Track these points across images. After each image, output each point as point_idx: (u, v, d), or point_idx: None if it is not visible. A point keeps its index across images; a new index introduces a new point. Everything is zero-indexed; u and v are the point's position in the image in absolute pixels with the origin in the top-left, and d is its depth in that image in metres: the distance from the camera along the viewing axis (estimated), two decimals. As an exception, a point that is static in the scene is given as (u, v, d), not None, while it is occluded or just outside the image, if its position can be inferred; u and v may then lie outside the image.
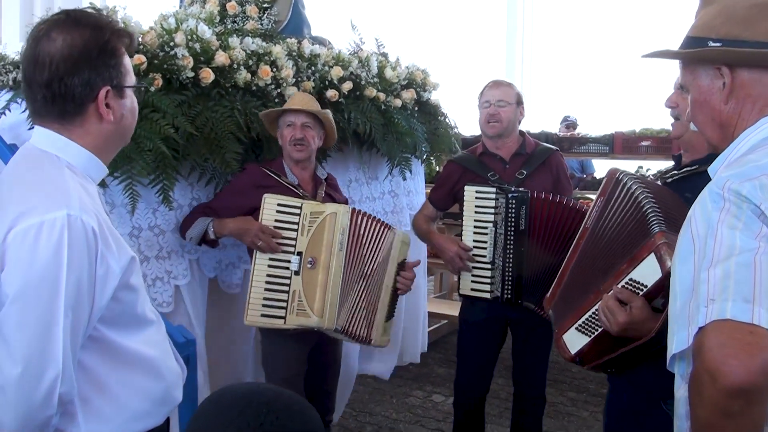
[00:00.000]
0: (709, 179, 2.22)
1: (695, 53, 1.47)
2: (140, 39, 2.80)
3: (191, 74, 2.92)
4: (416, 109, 4.35)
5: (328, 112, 3.23)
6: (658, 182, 2.41)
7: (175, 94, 2.88)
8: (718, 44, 1.43)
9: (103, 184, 2.68)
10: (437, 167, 4.91)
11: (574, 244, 2.52)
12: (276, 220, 2.91)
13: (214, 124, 2.99)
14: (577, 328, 2.25)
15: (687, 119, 2.15)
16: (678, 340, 1.23)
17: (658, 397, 2.10)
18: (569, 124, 8.20)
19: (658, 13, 9.53)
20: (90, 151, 1.59)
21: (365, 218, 3.01)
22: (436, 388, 4.90)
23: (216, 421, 1.06)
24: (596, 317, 2.12)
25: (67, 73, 1.51)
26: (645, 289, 1.97)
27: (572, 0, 10.07)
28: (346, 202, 3.39)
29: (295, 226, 2.92)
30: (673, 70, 2.49)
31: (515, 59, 10.51)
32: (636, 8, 9.72)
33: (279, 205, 2.92)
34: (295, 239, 2.92)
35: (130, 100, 1.66)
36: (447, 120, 4.60)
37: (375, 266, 3.04)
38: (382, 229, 3.05)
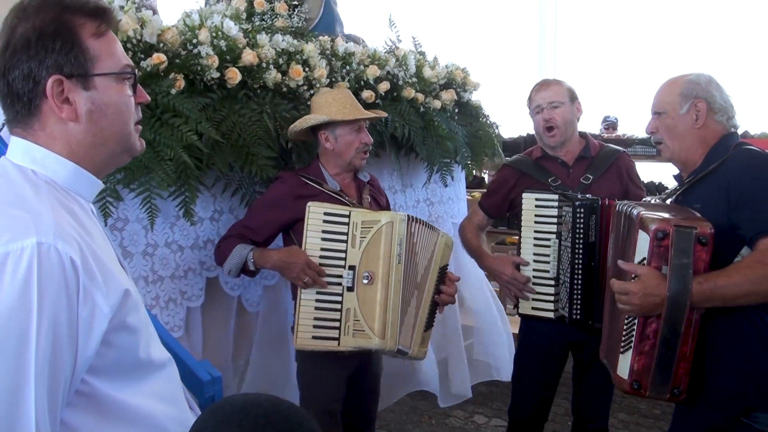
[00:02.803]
0: (714, 179, 2.13)
1: None
2: (160, 36, 2.55)
3: (216, 74, 2.67)
4: (456, 110, 4.08)
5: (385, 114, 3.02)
6: (666, 201, 2.43)
7: (198, 96, 2.64)
8: None
9: (118, 198, 2.43)
10: (476, 172, 4.64)
11: (607, 286, 2.50)
12: (323, 231, 2.63)
13: (242, 129, 2.75)
14: (621, 352, 2.21)
15: (671, 139, 2.28)
16: None
17: (736, 413, 2.12)
18: (609, 124, 7.86)
19: (700, 8, 9.19)
20: (71, 160, 1.30)
21: (420, 225, 2.74)
22: (477, 407, 4.61)
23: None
24: (628, 330, 2.15)
25: (8, 67, 1.25)
26: (646, 260, 2.06)
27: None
28: (388, 203, 3.14)
29: (344, 237, 2.64)
30: (712, 66, 2.29)
31: (546, 56, 10.24)
32: (677, 4, 9.39)
33: (325, 214, 2.64)
34: (345, 252, 2.64)
35: (108, 93, 1.32)
36: (488, 121, 4.31)
37: (424, 273, 2.77)
38: (430, 233, 2.79)
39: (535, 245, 2.93)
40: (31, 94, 1.26)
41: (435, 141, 3.76)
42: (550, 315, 2.91)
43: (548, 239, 2.90)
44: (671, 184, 5.86)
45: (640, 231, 2.07)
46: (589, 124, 8.00)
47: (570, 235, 2.80)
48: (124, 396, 1.27)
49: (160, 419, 1.34)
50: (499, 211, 3.25)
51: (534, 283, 2.93)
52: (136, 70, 1.40)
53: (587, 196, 2.83)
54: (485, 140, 4.24)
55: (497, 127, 4.43)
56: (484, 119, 4.29)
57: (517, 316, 3.09)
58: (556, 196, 2.88)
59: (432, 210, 4.17)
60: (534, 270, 2.93)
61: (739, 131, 2.35)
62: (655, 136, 2.37)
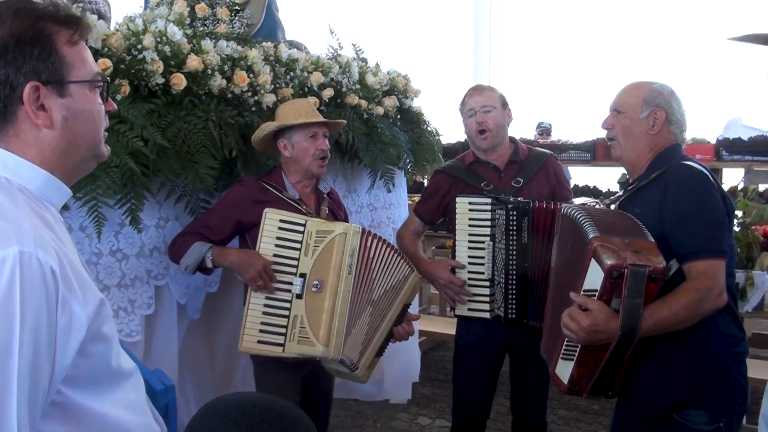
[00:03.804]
0: (654, 187, 2.20)
1: None
2: (105, 41, 2.50)
3: (161, 80, 2.64)
4: (398, 117, 4.11)
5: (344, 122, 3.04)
6: (610, 207, 2.48)
7: (143, 102, 2.60)
8: None
9: (64, 207, 2.37)
10: (416, 178, 4.68)
11: (549, 285, 2.60)
12: (277, 238, 2.64)
13: (186, 136, 2.71)
14: (562, 357, 2.25)
15: (625, 138, 2.34)
16: None
17: (668, 409, 2.20)
18: (543, 129, 8.06)
19: (634, 16, 9.47)
20: (43, 167, 1.28)
21: (375, 240, 2.75)
22: (421, 409, 4.65)
23: (210, 430, 1.07)
24: (572, 343, 2.17)
25: None
26: (597, 293, 2.05)
27: (541, 4, 9.97)
28: (347, 216, 3.15)
29: (298, 245, 2.65)
30: (650, 74, 2.39)
31: (482, 64, 10.39)
32: (611, 11, 9.66)
33: (281, 221, 2.65)
34: (298, 259, 2.65)
35: (82, 100, 1.31)
36: (430, 128, 4.36)
37: (382, 294, 2.77)
38: (395, 257, 2.79)
39: (469, 248, 2.97)
40: (8, 100, 1.24)
41: (378, 147, 3.78)
42: (486, 315, 2.96)
43: (482, 242, 2.94)
44: (605, 187, 6.03)
45: (593, 261, 2.05)
46: (524, 130, 8.17)
47: (504, 237, 2.86)
48: (98, 406, 1.26)
49: (131, 428, 1.33)
50: (434, 216, 3.28)
51: (469, 285, 2.97)
52: (108, 79, 1.39)
53: (519, 199, 2.89)
54: (427, 146, 4.27)
55: (438, 134, 4.48)
56: (425, 125, 4.33)
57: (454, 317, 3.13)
58: (488, 200, 2.93)
59: (375, 215, 4.18)
60: (469, 272, 2.97)
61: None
62: (610, 132, 2.42)
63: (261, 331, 2.63)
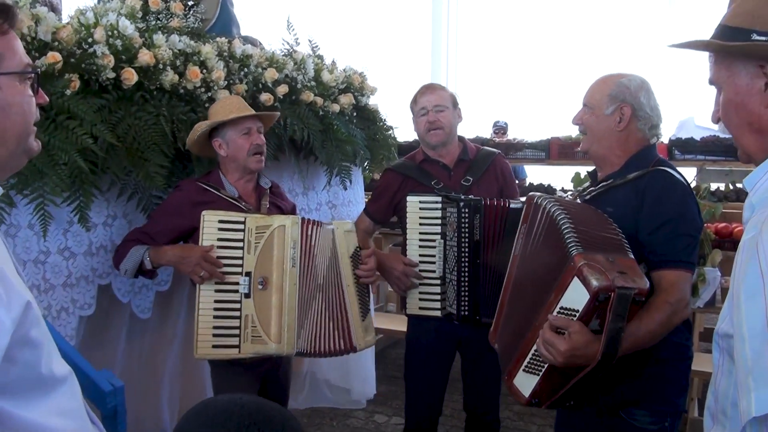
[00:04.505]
0: (630, 189, 2.20)
1: (738, 47, 1.26)
2: (55, 35, 2.43)
3: (112, 75, 2.57)
4: (354, 114, 4.10)
5: (278, 114, 2.98)
6: (578, 200, 2.43)
7: (93, 97, 2.53)
8: (763, 38, 1.22)
9: (11, 204, 2.32)
10: (374, 176, 4.67)
11: (507, 272, 2.50)
12: (219, 239, 2.61)
13: (137, 133, 2.66)
14: (524, 370, 2.17)
15: (592, 135, 2.32)
16: (760, 400, 1.01)
17: (617, 407, 2.21)
18: (499, 128, 8.11)
19: (591, 16, 9.59)
20: None
21: (316, 227, 2.74)
22: (377, 407, 4.65)
23: None
24: (539, 354, 2.07)
25: None
26: (578, 314, 1.93)
27: (498, 4, 10.04)
28: (294, 208, 3.11)
29: (241, 244, 2.63)
30: (603, 73, 2.38)
31: (440, 63, 10.41)
32: (566, 11, 9.76)
33: (220, 222, 2.62)
34: (242, 258, 2.62)
35: (11, 92, 1.24)
36: (386, 125, 4.36)
37: (326, 273, 2.76)
38: (325, 231, 2.77)
39: (420, 246, 2.98)
40: None
41: (334, 144, 3.75)
42: (437, 313, 2.97)
43: (433, 240, 2.95)
44: (559, 185, 6.07)
45: (576, 279, 1.94)
46: (480, 128, 8.21)
47: (456, 235, 2.88)
48: (29, 414, 1.19)
49: None
50: (385, 215, 3.28)
51: (421, 284, 2.97)
52: (38, 70, 1.33)
53: (470, 197, 2.90)
54: (383, 143, 4.27)
55: (394, 131, 4.48)
56: (382, 123, 4.33)
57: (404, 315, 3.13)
58: (439, 198, 2.94)
59: (335, 212, 4.17)
60: (420, 270, 2.97)
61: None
62: (581, 127, 2.42)
63: (215, 335, 2.60)
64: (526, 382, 2.15)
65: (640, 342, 2.01)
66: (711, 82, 1.37)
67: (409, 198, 2.99)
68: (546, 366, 2.06)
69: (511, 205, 2.85)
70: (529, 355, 2.13)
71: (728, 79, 1.31)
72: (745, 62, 1.27)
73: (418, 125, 3.12)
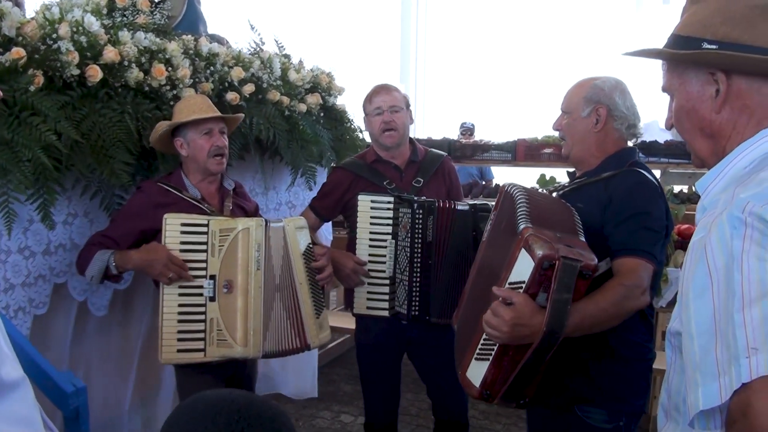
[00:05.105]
0: (601, 187, 2.25)
1: (689, 55, 1.29)
2: (19, 30, 2.40)
3: (76, 71, 2.55)
4: (321, 114, 4.10)
5: (242, 116, 2.96)
6: (554, 194, 2.45)
7: (58, 94, 2.51)
8: (714, 46, 1.26)
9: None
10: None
11: (474, 260, 2.53)
12: (182, 242, 2.60)
13: (102, 130, 2.63)
14: (476, 358, 2.16)
15: (572, 138, 2.36)
16: (706, 394, 1.04)
17: (571, 404, 2.25)
18: (466, 130, 8.16)
19: (559, 19, 9.69)
20: None
21: (270, 228, 2.73)
22: (344, 407, 4.66)
23: (188, 428, 1.05)
24: (490, 341, 2.07)
25: None
26: (524, 285, 1.95)
27: (468, 6, 10.09)
28: (257, 208, 3.10)
29: (204, 247, 2.62)
30: (574, 77, 2.44)
31: (409, 64, 10.44)
32: (535, 14, 9.85)
33: (183, 225, 2.61)
34: (206, 261, 2.62)
35: None
36: (353, 126, 4.37)
37: (281, 272, 2.75)
38: (276, 230, 2.75)
39: (371, 246, 2.99)
40: None
41: (300, 144, 3.74)
42: (385, 313, 2.99)
43: (384, 240, 2.97)
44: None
45: (523, 251, 1.96)
46: (448, 129, 8.26)
47: (409, 235, 2.90)
48: None
49: None
50: (332, 213, 3.28)
51: (369, 283, 2.99)
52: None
53: (423, 198, 2.94)
54: (349, 144, 4.27)
55: (361, 131, 4.49)
56: (349, 123, 4.34)
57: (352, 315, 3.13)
58: (391, 198, 2.95)
59: (294, 213, 4.13)
60: (369, 270, 2.98)
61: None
62: (560, 133, 2.46)
63: (180, 339, 2.59)
64: (477, 371, 2.14)
65: (589, 320, 1.99)
66: (664, 90, 1.41)
67: (360, 197, 3.00)
68: (495, 348, 2.05)
69: (458, 207, 2.91)
70: (482, 341, 2.14)
71: (680, 86, 1.35)
72: (697, 70, 1.31)
73: (372, 125, 3.11)
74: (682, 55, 1.31)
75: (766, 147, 1.23)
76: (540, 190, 2.67)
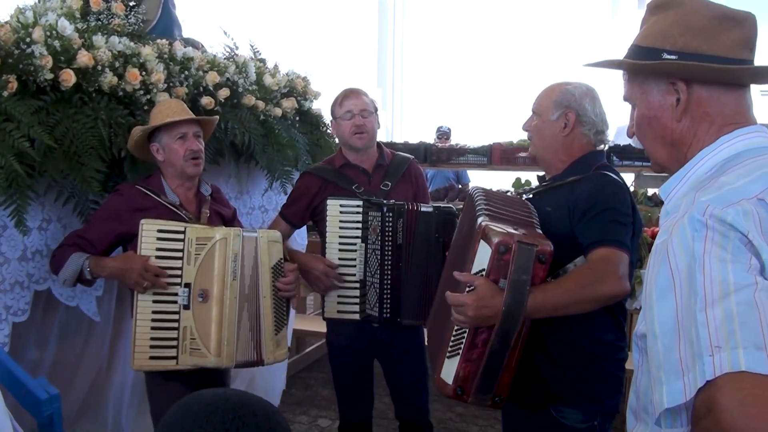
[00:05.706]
0: (567, 190, 2.29)
1: (650, 66, 1.33)
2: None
3: (50, 76, 2.54)
4: (297, 118, 4.09)
5: (216, 119, 2.95)
6: (522, 197, 2.49)
7: (31, 99, 2.50)
8: (673, 57, 1.30)
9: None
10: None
11: (445, 262, 2.59)
12: (158, 249, 2.59)
13: (75, 136, 2.62)
14: (448, 356, 2.20)
15: (539, 140, 2.41)
16: (671, 393, 1.06)
17: (545, 403, 2.26)
18: (442, 134, 8.19)
19: (535, 25, 9.77)
20: None
21: (243, 238, 2.73)
22: (321, 411, 4.66)
23: (183, 427, 1.06)
24: (458, 336, 2.13)
25: None
26: (485, 272, 2.04)
27: (445, 11, 10.15)
28: (234, 213, 3.10)
29: (180, 254, 2.61)
30: (549, 82, 2.48)
31: (386, 68, 10.46)
32: (511, 19, 9.92)
33: (159, 231, 2.60)
34: (182, 269, 2.61)
35: None
36: (329, 130, 4.37)
37: (249, 282, 2.75)
38: (249, 240, 2.75)
39: (340, 250, 3.00)
40: None
41: (275, 149, 3.74)
42: (356, 316, 3.00)
43: (354, 244, 2.98)
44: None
45: (482, 241, 2.05)
46: (424, 133, 8.29)
47: (379, 238, 2.92)
48: None
49: None
50: (302, 219, 3.28)
51: (340, 287, 3.00)
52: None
53: (392, 201, 2.96)
54: (325, 148, 4.27)
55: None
56: (325, 128, 4.35)
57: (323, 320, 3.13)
58: (359, 202, 2.97)
59: (266, 217, 4.13)
60: (340, 274, 2.99)
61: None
62: (529, 133, 2.48)
63: (152, 346, 2.58)
64: (449, 369, 2.18)
65: (551, 300, 2.03)
66: (625, 99, 1.44)
67: (329, 201, 3.00)
68: (465, 341, 2.10)
69: (421, 209, 2.94)
70: (451, 338, 2.18)
71: (641, 95, 1.39)
72: (657, 80, 1.35)
73: (342, 128, 3.11)
74: (643, 65, 1.34)
75: (726, 153, 1.26)
76: (509, 193, 2.71)
